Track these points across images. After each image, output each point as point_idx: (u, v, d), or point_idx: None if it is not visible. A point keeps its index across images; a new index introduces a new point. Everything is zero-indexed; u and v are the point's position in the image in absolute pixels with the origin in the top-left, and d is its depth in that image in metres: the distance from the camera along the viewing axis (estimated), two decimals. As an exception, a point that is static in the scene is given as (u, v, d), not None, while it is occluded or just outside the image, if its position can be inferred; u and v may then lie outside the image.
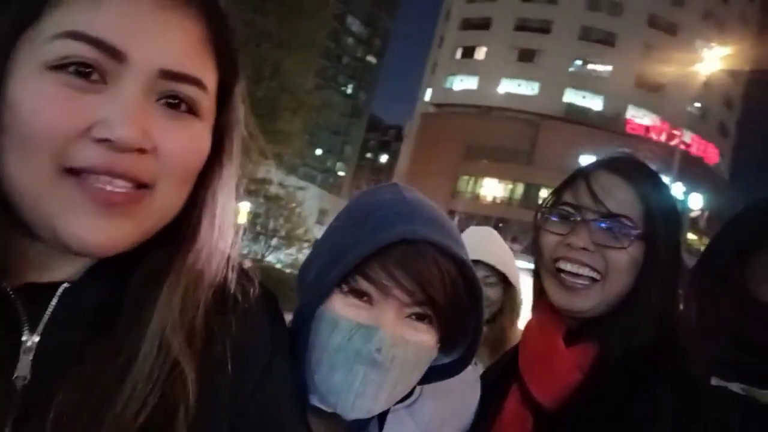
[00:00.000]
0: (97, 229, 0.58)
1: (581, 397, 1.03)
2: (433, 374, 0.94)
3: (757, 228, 1.22)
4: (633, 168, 1.12)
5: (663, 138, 38.39)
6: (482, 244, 2.28)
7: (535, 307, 1.25)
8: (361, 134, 74.28)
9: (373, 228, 0.85)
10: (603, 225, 1.07)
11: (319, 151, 64.83)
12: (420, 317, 0.86)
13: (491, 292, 2.18)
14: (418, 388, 0.98)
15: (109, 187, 0.57)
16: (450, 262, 0.85)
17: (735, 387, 1.03)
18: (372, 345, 0.83)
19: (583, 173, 1.13)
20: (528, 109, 41.97)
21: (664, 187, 1.14)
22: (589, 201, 1.09)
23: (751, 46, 39.00)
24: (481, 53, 45.29)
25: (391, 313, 0.84)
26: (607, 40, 42.78)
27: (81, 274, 0.64)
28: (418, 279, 0.82)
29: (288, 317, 0.87)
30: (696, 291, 1.20)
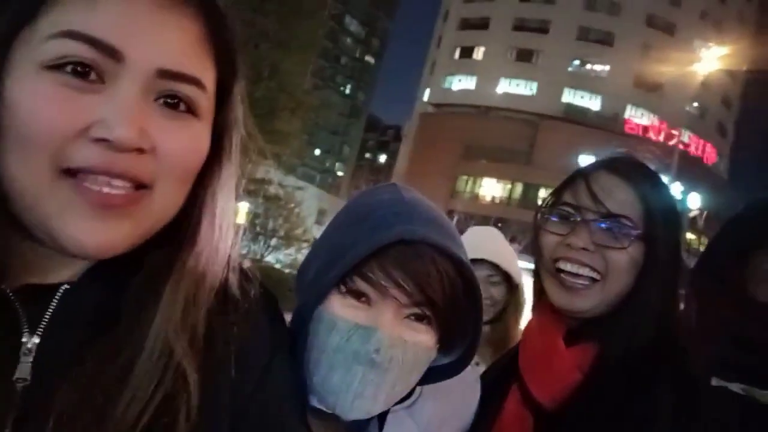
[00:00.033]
0: (94, 232, 0.57)
1: (581, 397, 1.03)
2: (433, 375, 0.94)
3: (756, 228, 1.22)
4: (633, 168, 1.12)
5: (661, 138, 38.49)
6: (486, 243, 2.28)
7: (535, 307, 1.25)
8: (359, 134, 74.29)
9: (371, 228, 0.84)
10: (603, 225, 1.07)
11: (317, 151, 64.86)
12: (419, 318, 0.86)
13: (495, 292, 2.18)
14: (417, 389, 0.98)
15: (106, 189, 0.57)
16: (448, 262, 0.84)
17: (735, 387, 1.03)
18: (370, 346, 0.82)
19: (583, 174, 1.13)
20: (526, 109, 42.02)
21: (664, 188, 1.14)
22: (589, 201, 1.09)
23: (748, 45, 39.07)
24: (479, 53, 45.34)
25: (390, 313, 0.84)
26: (605, 40, 42.84)
27: (80, 275, 0.64)
28: (416, 279, 0.82)
29: (288, 317, 0.87)
30: (696, 291, 1.20)
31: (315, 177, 58.53)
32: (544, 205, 1.18)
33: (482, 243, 2.26)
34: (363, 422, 0.90)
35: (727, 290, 1.18)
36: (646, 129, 40.61)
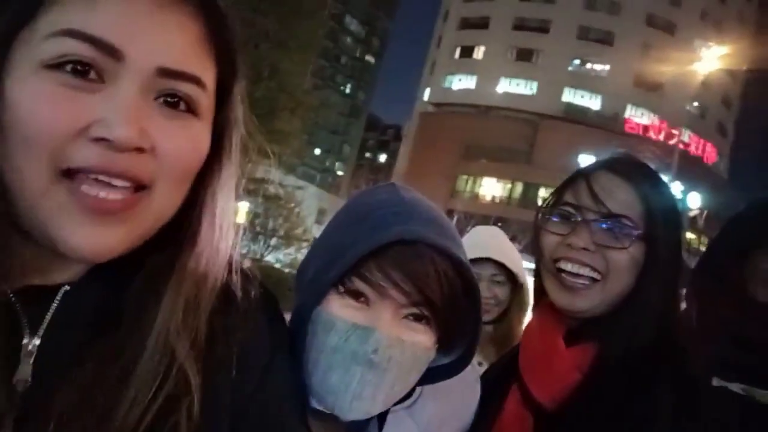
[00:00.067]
0: (90, 236, 0.57)
1: (581, 397, 1.03)
2: (433, 375, 0.94)
3: (756, 228, 1.22)
4: (633, 168, 1.12)
5: (661, 137, 38.50)
6: (491, 242, 2.28)
7: (536, 307, 1.25)
8: (359, 134, 74.30)
9: (370, 228, 0.84)
10: (603, 225, 1.07)
11: (317, 151, 64.86)
12: (417, 318, 0.86)
13: (499, 291, 2.18)
14: (417, 389, 0.97)
15: (103, 194, 0.56)
16: (448, 262, 0.84)
17: (735, 387, 1.03)
18: (368, 346, 0.82)
19: (584, 173, 1.13)
20: (526, 108, 42.03)
21: (665, 187, 1.14)
22: (589, 201, 1.08)
23: (749, 45, 39.06)
24: (479, 53, 45.35)
25: (388, 313, 0.84)
26: (605, 39, 42.85)
27: (81, 276, 0.64)
28: (414, 279, 0.82)
29: (287, 317, 0.87)
30: (696, 291, 1.20)
31: (315, 176, 58.56)
32: (544, 205, 1.18)
33: (487, 242, 2.26)
34: (363, 422, 0.89)
35: (727, 290, 1.18)
36: (646, 128, 40.62)
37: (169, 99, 0.60)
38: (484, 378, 1.18)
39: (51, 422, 0.55)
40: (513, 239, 2.51)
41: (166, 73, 0.59)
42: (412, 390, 0.95)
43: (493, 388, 1.16)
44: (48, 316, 0.61)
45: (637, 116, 42.08)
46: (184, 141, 0.61)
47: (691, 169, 30.46)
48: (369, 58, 74.85)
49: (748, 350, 1.07)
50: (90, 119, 0.55)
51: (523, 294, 2.23)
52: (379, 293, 0.83)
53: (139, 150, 0.57)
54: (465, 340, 0.93)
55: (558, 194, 1.17)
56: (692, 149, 41.69)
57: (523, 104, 42.49)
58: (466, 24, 46.04)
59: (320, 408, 0.86)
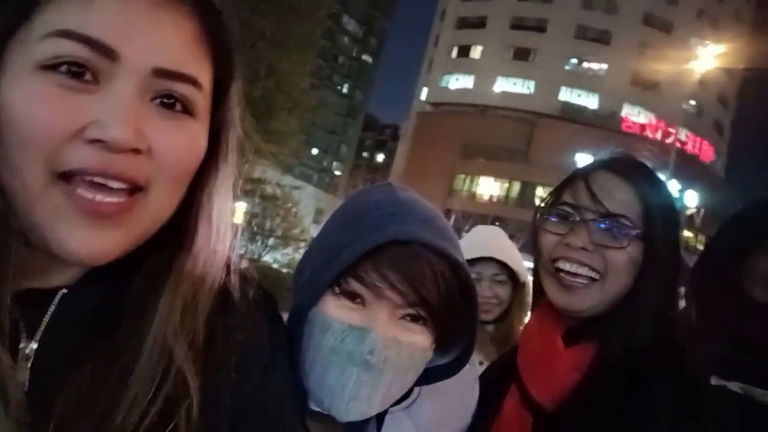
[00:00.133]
0: (86, 240, 0.57)
1: (580, 397, 1.03)
2: (431, 375, 0.93)
3: (755, 228, 1.22)
4: (632, 168, 1.12)
5: (658, 136, 38.61)
6: (492, 241, 2.28)
7: (534, 306, 1.25)
8: (357, 133, 74.24)
9: (366, 228, 0.84)
10: (602, 225, 1.07)
11: (315, 151, 64.80)
12: (414, 318, 0.85)
13: (501, 291, 2.18)
14: (416, 389, 0.97)
15: (99, 197, 0.56)
16: (444, 262, 0.84)
17: (734, 386, 1.03)
18: (364, 347, 0.82)
19: (582, 173, 1.13)
20: (524, 107, 42.08)
21: (663, 187, 1.14)
22: (588, 201, 1.08)
23: (745, 44, 39.14)
24: (476, 52, 45.38)
25: (384, 314, 0.84)
26: (602, 38, 42.91)
27: (78, 279, 0.63)
28: (410, 280, 0.81)
29: (285, 317, 0.87)
30: (695, 290, 1.20)
31: (312, 176, 58.55)
32: (543, 205, 1.18)
33: (488, 242, 2.26)
34: (361, 423, 0.89)
35: (725, 290, 1.18)
36: (643, 127, 40.70)
37: (165, 100, 0.60)
38: (483, 378, 1.18)
39: (50, 426, 0.54)
40: (511, 238, 2.52)
41: (162, 73, 0.58)
42: (410, 390, 0.94)
43: (492, 387, 1.16)
44: (45, 320, 0.60)
45: (634, 115, 42.16)
46: (181, 142, 0.61)
47: (688, 167, 30.49)
48: (366, 57, 74.80)
49: (747, 350, 1.07)
50: (86, 120, 0.55)
51: (524, 293, 2.23)
52: (375, 294, 0.83)
53: (136, 151, 0.57)
54: (462, 341, 0.93)
55: (556, 194, 1.16)
56: (689, 148, 41.78)
57: (521, 103, 42.53)
58: (464, 23, 46.06)
59: (318, 409, 0.86)
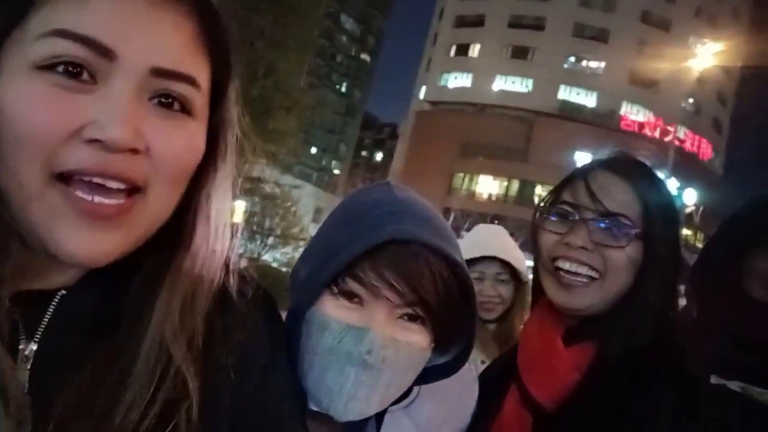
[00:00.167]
0: (84, 242, 0.56)
1: (580, 397, 1.03)
2: (430, 374, 0.93)
3: (754, 227, 1.22)
4: (631, 167, 1.12)
5: (657, 134, 38.64)
6: (493, 240, 2.28)
7: (534, 305, 1.25)
8: (356, 132, 74.22)
9: (364, 228, 0.84)
10: (601, 224, 1.07)
11: (314, 150, 64.79)
12: (412, 318, 0.85)
13: (503, 290, 2.18)
14: (415, 389, 0.97)
15: (98, 199, 0.56)
16: (442, 262, 0.83)
17: (734, 385, 1.03)
18: (362, 347, 0.82)
19: (582, 173, 1.13)
20: (522, 106, 42.10)
21: (662, 186, 1.13)
22: (587, 200, 1.08)
23: (743, 42, 39.18)
24: (475, 51, 45.38)
25: (382, 314, 0.83)
26: (600, 36, 42.94)
27: (77, 281, 0.63)
28: (408, 280, 0.81)
29: (284, 316, 0.87)
30: (695, 290, 1.20)
31: (311, 175, 58.52)
32: (542, 204, 1.17)
33: (490, 241, 2.26)
34: (360, 423, 0.89)
35: (725, 289, 1.18)
36: (641, 125, 40.74)
37: (163, 99, 0.60)
38: (483, 377, 1.18)
39: (49, 427, 0.54)
40: (510, 236, 2.52)
41: (160, 73, 0.58)
42: (410, 390, 0.94)
43: (492, 387, 1.15)
44: (45, 321, 0.60)
45: (633, 113, 42.21)
46: (179, 141, 0.60)
47: (686, 165, 30.55)
48: (365, 56, 74.74)
49: (746, 349, 1.07)
50: (83, 121, 0.55)
51: (526, 292, 2.23)
52: (372, 293, 0.83)
53: (134, 151, 0.56)
54: (461, 340, 0.93)
55: (556, 193, 1.16)
56: (687, 146, 41.85)
57: (519, 102, 42.55)
58: (462, 22, 46.05)
59: (317, 409, 0.86)
